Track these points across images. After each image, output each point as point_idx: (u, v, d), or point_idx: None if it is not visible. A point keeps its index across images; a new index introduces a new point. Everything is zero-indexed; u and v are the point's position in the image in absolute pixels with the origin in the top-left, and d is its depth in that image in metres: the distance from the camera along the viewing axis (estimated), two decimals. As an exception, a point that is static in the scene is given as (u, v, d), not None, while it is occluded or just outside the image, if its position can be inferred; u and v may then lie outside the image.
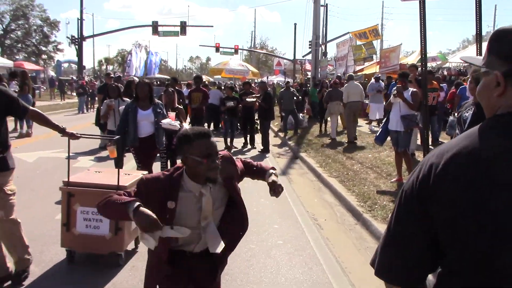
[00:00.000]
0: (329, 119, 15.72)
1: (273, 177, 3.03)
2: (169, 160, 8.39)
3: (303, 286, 4.61)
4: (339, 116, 15.35)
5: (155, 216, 2.37)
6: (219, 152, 2.66)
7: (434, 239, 1.33)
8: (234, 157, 2.95)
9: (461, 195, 1.24)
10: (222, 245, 2.67)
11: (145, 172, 5.60)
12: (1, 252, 4.29)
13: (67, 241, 4.86)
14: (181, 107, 8.42)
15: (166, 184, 2.59)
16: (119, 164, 7.64)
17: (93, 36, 47.72)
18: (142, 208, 2.38)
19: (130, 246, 5.26)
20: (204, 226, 2.67)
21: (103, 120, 8.94)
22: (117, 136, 5.88)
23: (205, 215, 2.66)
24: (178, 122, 7.35)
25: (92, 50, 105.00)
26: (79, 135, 4.67)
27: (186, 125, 7.61)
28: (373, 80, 16.75)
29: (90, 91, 26.68)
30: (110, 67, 67.30)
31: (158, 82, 30.69)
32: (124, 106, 7.38)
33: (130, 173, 5.57)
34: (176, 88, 12.25)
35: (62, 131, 4.51)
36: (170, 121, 7.05)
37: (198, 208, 2.63)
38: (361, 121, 18.29)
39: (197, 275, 2.81)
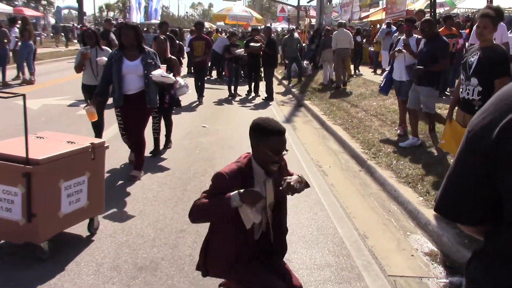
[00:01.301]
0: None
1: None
2: (163, 120, 7.45)
3: (308, 230, 4.70)
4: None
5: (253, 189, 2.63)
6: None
7: (492, 185, 1.29)
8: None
9: None
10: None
11: (99, 141, 4.48)
12: None
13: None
14: (175, 58, 7.43)
15: (240, 176, 2.70)
16: (97, 128, 7.12)
17: (92, -19, 46.64)
18: (241, 190, 2.58)
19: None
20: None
21: (77, 71, 7.32)
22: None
23: (270, 202, 2.80)
24: (172, 75, 6.49)
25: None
26: None
27: (181, 80, 6.96)
28: (384, 25, 16.42)
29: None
30: (111, 14, 66.23)
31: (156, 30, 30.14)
32: (103, 57, 6.53)
33: (76, 141, 4.16)
34: (169, 34, 10.97)
35: None
36: (162, 72, 5.96)
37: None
38: (365, 69, 18.10)
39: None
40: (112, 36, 12.58)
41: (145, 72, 5.74)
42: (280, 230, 2.97)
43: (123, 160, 6.74)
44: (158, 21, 39.87)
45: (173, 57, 7.36)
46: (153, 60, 5.86)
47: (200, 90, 12.35)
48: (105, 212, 4.77)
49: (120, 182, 5.95)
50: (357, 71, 17.60)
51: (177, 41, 10.82)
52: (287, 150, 2.74)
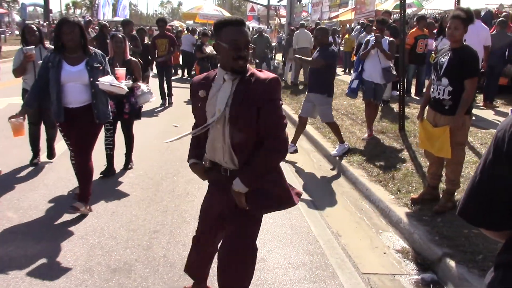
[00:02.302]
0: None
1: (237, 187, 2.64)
2: (122, 133, 6.39)
3: (282, 229, 4.71)
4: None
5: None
6: (272, 74, 2.64)
7: None
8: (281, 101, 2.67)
9: None
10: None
11: None
12: None
13: None
14: (135, 59, 6.22)
15: (207, 78, 2.71)
16: (34, 142, 6.44)
17: (59, -23, 45.81)
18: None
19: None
20: (213, 120, 2.62)
21: (17, 76, 6.13)
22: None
23: (219, 106, 2.59)
24: (129, 82, 5.53)
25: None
26: None
27: (144, 86, 6.05)
28: (357, 25, 16.62)
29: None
30: (78, 11, 65.13)
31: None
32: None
33: None
34: (133, 34, 10.78)
35: None
36: (112, 80, 4.75)
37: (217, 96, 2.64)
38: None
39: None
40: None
41: (91, 79, 4.61)
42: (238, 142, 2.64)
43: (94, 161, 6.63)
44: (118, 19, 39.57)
45: (133, 58, 6.16)
46: (100, 64, 4.74)
47: (168, 90, 12.05)
48: (76, 214, 4.70)
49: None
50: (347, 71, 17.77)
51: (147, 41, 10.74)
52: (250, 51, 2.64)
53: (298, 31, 14.98)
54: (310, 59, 7.51)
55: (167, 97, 12.00)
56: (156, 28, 13.92)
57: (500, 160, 1.33)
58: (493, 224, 1.43)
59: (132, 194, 5.50)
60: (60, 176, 6.03)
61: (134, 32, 11.24)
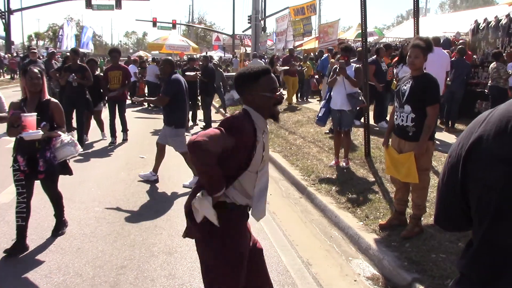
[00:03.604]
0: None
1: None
2: (48, 196, 5.20)
3: (252, 260, 4.66)
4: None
5: None
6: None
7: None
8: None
9: None
10: (264, 212, 2.83)
11: None
12: None
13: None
14: (55, 101, 4.89)
15: (249, 127, 2.60)
16: None
17: (21, 9, 45.46)
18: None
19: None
20: (260, 170, 2.72)
21: None
22: None
23: (266, 155, 2.75)
24: (38, 132, 4.53)
25: (20, 24, 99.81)
26: None
27: (65, 135, 4.85)
28: (326, 54, 16.91)
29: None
30: (41, 42, 64.46)
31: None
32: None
33: None
34: (82, 65, 10.06)
35: None
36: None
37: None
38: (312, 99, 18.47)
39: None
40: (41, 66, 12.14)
41: None
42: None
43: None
44: (91, 51, 39.27)
45: (53, 100, 4.88)
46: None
47: (123, 126, 11.05)
48: (39, 250, 4.56)
49: (53, 218, 5.67)
50: (304, 99, 17.98)
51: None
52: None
53: (252, 60, 16.02)
54: (155, 98, 7.92)
55: (122, 133, 11.03)
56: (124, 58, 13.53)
57: (455, 168, 1.52)
58: (459, 226, 1.65)
59: (98, 229, 5.37)
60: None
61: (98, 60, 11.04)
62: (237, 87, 2.73)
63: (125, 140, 10.93)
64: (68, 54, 11.43)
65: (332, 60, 10.68)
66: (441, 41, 13.36)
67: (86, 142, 10.16)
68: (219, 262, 2.63)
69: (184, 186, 7.16)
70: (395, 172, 4.99)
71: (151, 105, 18.10)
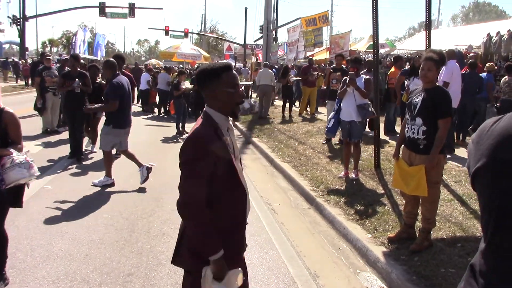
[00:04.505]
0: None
1: None
2: None
3: (260, 270, 4.64)
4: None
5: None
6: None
7: None
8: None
9: None
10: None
11: None
12: None
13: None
14: (11, 112, 4.02)
15: (216, 137, 2.53)
16: None
17: (36, 16, 45.96)
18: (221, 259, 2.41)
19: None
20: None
21: None
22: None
23: (237, 153, 2.71)
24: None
25: (35, 30, 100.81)
26: None
27: (18, 154, 3.95)
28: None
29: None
30: (55, 49, 65.09)
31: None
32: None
33: None
34: (81, 71, 9.65)
35: None
36: None
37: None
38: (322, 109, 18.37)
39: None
40: (55, 72, 12.26)
41: None
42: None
43: (66, 199, 6.51)
44: (102, 58, 39.56)
45: (8, 110, 4.01)
46: None
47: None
48: (47, 256, 4.57)
49: (63, 223, 5.71)
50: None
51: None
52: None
53: (262, 70, 16.51)
54: (102, 105, 7.83)
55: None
56: (140, 66, 12.97)
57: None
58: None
59: (106, 236, 5.38)
60: (32, 217, 5.88)
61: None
62: (199, 83, 2.67)
63: (117, 155, 9.38)
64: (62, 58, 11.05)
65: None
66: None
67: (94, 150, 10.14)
68: None
69: (93, 185, 7.30)
70: (403, 185, 4.95)
71: (162, 112, 18.25)
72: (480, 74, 10.86)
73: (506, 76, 10.46)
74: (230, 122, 2.72)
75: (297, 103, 18.64)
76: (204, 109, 2.66)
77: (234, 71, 2.67)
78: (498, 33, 13.18)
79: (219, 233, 2.44)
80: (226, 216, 2.55)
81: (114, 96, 7.24)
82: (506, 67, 10.78)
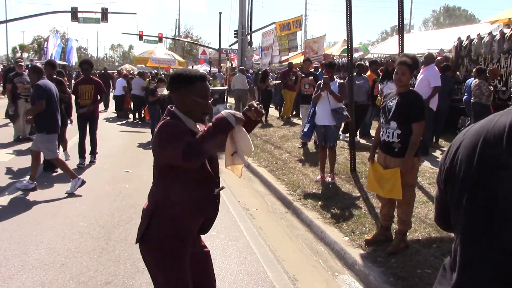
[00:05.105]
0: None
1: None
2: None
3: (239, 276, 4.64)
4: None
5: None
6: None
7: None
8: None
9: None
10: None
11: None
12: None
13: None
14: None
15: (182, 125, 2.66)
16: None
17: (6, 21, 45.05)
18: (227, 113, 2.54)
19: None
20: None
21: None
22: None
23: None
24: None
25: (5, 36, 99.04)
26: None
27: None
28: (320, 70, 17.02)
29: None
30: (26, 55, 64.01)
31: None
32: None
33: None
34: (57, 78, 9.15)
35: None
36: None
37: None
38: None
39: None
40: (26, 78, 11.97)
41: None
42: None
43: (39, 207, 6.41)
44: (74, 64, 38.99)
45: None
46: None
47: (92, 147, 9.90)
48: (22, 266, 4.49)
49: (38, 233, 5.61)
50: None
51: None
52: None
53: (237, 74, 17.00)
54: (31, 108, 7.73)
55: (90, 155, 9.84)
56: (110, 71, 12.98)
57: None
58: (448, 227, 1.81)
59: (82, 244, 5.30)
60: (5, 227, 5.77)
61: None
62: (171, 86, 2.76)
63: (92, 162, 9.75)
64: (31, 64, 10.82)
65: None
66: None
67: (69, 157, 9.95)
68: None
69: (17, 188, 7.31)
70: (378, 187, 5.02)
71: (137, 118, 18.12)
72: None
73: (476, 79, 10.68)
74: (198, 127, 2.81)
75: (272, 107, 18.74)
76: (168, 109, 2.75)
77: (207, 83, 2.76)
78: (468, 37, 13.44)
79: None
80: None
81: (40, 96, 7.26)
82: (476, 70, 10.99)
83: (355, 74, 10.03)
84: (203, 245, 3.11)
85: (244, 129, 2.63)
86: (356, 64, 8.57)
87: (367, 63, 13.93)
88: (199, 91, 2.68)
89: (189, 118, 2.72)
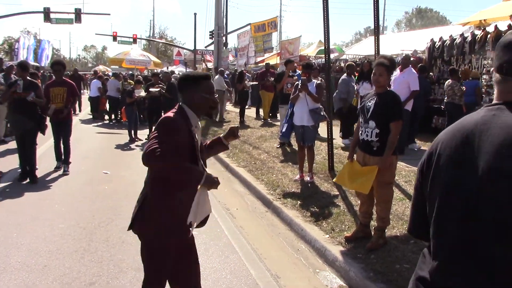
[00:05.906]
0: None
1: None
2: None
3: (222, 274, 4.70)
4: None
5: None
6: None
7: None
8: None
9: None
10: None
11: None
12: None
13: None
14: None
15: (183, 122, 2.96)
16: None
17: (-24, 22, 44.17)
18: (209, 173, 2.93)
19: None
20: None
21: None
22: None
23: (199, 147, 3.09)
24: None
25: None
26: None
27: None
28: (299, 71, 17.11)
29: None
30: (-4, 56, 62.78)
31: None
32: None
33: None
34: (31, 80, 8.46)
35: None
36: None
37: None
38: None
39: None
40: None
41: None
42: None
43: (18, 209, 6.35)
44: (46, 65, 38.37)
45: None
46: None
47: (65, 155, 9.25)
48: (4, 268, 4.46)
49: (18, 235, 5.57)
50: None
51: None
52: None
53: (217, 76, 16.97)
54: None
55: (63, 165, 9.21)
56: (88, 73, 12.55)
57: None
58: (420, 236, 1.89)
59: (63, 246, 5.29)
60: (-16, 229, 5.71)
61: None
62: (180, 85, 3.11)
63: (66, 172, 8.97)
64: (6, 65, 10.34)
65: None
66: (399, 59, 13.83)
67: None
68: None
69: None
70: (346, 181, 5.17)
71: (113, 119, 17.99)
72: (467, 81, 11.23)
73: (450, 80, 10.93)
74: (199, 122, 3.14)
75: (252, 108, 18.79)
76: (179, 104, 3.06)
77: (211, 82, 3.15)
78: (440, 38, 13.74)
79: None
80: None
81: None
82: (449, 71, 11.25)
83: (345, 75, 10.22)
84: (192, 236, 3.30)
85: (208, 194, 3.08)
86: (347, 64, 8.73)
87: (342, 64, 14.15)
88: (205, 88, 3.05)
89: (195, 114, 3.05)
